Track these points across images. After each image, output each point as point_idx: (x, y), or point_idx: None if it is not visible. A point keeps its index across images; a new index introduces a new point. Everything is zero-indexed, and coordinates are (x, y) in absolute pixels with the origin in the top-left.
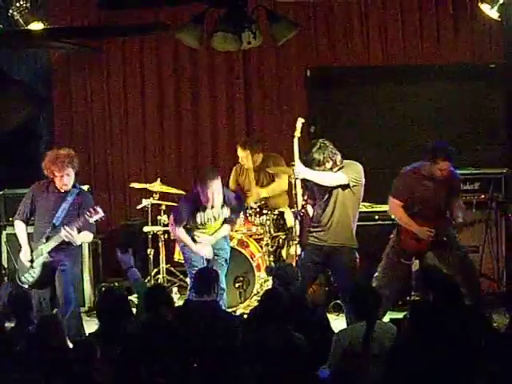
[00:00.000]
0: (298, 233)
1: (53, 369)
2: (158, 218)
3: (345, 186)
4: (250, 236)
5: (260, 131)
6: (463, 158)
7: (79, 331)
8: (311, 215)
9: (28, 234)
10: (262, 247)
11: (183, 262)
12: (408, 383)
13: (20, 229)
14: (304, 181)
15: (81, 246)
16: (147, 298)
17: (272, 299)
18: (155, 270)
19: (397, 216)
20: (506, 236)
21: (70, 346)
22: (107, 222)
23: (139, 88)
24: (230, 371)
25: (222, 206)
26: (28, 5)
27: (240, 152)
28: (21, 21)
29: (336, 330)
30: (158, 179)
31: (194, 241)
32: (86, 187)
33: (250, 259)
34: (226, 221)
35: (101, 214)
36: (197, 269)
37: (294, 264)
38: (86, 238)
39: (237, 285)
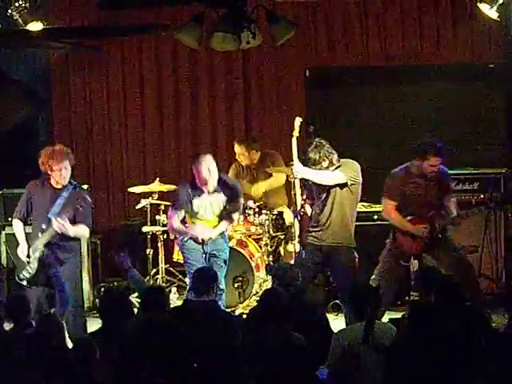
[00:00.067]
0: (297, 232)
1: (53, 369)
2: (157, 217)
3: (343, 185)
4: (249, 236)
5: (259, 131)
6: (463, 158)
7: (85, 331)
8: (309, 215)
9: (26, 233)
10: (261, 247)
11: (182, 262)
12: (407, 383)
13: (18, 227)
14: (302, 180)
15: (80, 242)
16: (143, 299)
17: (271, 299)
18: (154, 270)
19: (391, 218)
20: (505, 236)
21: (70, 346)
22: (106, 222)
23: (138, 88)
24: (229, 371)
25: (219, 191)
26: (27, 5)
27: (236, 148)
28: (20, 21)
29: (335, 330)
30: (157, 179)
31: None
32: (85, 187)
33: (249, 259)
34: (224, 216)
35: (88, 201)
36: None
37: (292, 262)
38: (81, 231)
39: (236, 285)
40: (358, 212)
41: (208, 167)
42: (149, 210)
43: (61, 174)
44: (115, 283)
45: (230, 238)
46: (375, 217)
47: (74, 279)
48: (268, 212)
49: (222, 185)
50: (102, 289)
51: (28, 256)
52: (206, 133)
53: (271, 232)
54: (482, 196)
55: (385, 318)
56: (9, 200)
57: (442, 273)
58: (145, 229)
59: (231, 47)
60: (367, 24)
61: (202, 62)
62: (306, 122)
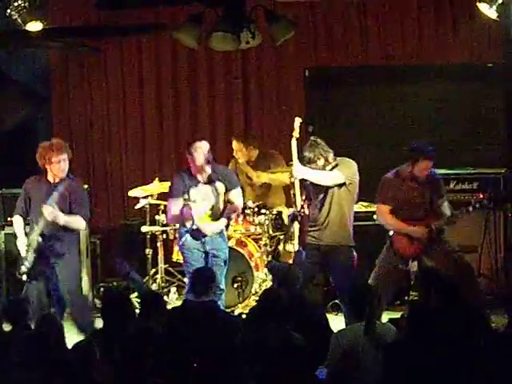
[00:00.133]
0: (297, 232)
1: (52, 369)
2: (157, 217)
3: (341, 185)
4: (249, 236)
5: (258, 131)
6: (463, 158)
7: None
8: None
9: (26, 232)
10: (260, 247)
11: (182, 262)
12: (406, 382)
13: (18, 223)
14: (301, 180)
15: (78, 235)
16: (141, 306)
17: (270, 299)
18: (153, 270)
19: (386, 221)
20: (505, 236)
21: (69, 346)
22: (106, 222)
23: (138, 88)
24: (229, 371)
25: (215, 181)
26: (26, 4)
27: (234, 144)
28: (19, 21)
29: (335, 330)
30: (157, 179)
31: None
32: (84, 187)
33: (249, 259)
34: (226, 209)
35: (85, 193)
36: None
37: (290, 261)
38: (74, 220)
39: (235, 285)
40: (358, 212)
41: (204, 154)
42: (148, 210)
43: (59, 166)
44: (114, 283)
45: (230, 238)
46: (375, 216)
47: (73, 281)
48: (267, 212)
49: (218, 172)
50: (102, 289)
51: (27, 250)
52: (206, 133)
53: (270, 232)
54: (481, 196)
55: (384, 318)
56: (8, 200)
57: (442, 273)
58: (144, 229)
59: (230, 47)
60: (367, 24)
61: (202, 62)
62: (306, 122)
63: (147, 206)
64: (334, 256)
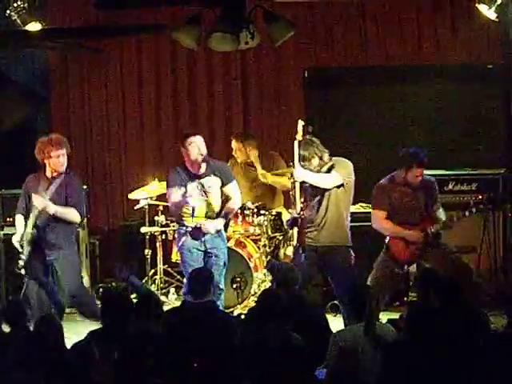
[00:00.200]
0: (295, 234)
1: (52, 369)
2: (156, 218)
3: (338, 186)
4: (248, 236)
5: (258, 131)
6: (463, 158)
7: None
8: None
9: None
10: (259, 248)
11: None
12: (405, 382)
13: (19, 222)
14: (301, 182)
15: (74, 228)
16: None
17: (269, 299)
18: (152, 270)
19: (382, 226)
20: (504, 237)
21: (68, 346)
22: (105, 223)
23: (137, 88)
24: (228, 371)
25: (209, 175)
26: (26, 5)
27: (233, 144)
28: (18, 21)
29: (334, 331)
30: (156, 179)
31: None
32: (81, 182)
33: (248, 260)
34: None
35: (81, 187)
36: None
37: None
38: (66, 212)
39: (234, 285)
40: (357, 213)
41: (199, 148)
42: (147, 210)
43: (58, 160)
44: (113, 284)
45: (229, 239)
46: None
47: (74, 280)
48: (266, 213)
49: (213, 167)
50: (101, 289)
51: (21, 246)
52: (205, 133)
53: (269, 233)
54: (480, 197)
55: (383, 319)
56: (7, 200)
57: (441, 273)
58: (143, 229)
59: (229, 48)
60: (366, 24)
61: (201, 62)
62: (306, 123)
63: (146, 207)
64: (332, 256)
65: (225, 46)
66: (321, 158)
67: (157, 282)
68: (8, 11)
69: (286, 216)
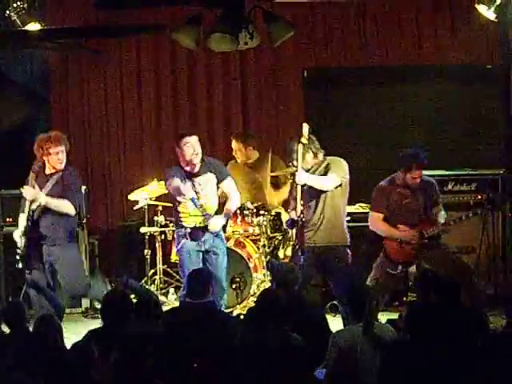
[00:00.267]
0: (294, 237)
1: (51, 369)
2: (155, 218)
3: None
4: (247, 237)
5: (257, 132)
6: (463, 158)
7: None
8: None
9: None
10: (258, 248)
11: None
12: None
13: (21, 220)
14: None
15: (72, 221)
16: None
17: (269, 300)
18: (152, 270)
19: (378, 228)
20: (503, 237)
21: (68, 346)
22: (104, 223)
23: (136, 89)
24: (228, 372)
25: (206, 172)
26: (25, 5)
27: (233, 144)
28: (18, 21)
29: (333, 331)
30: (155, 179)
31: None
32: (83, 188)
33: (247, 260)
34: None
35: (78, 181)
36: None
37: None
38: (60, 204)
39: (233, 285)
40: (356, 213)
41: (194, 148)
42: (146, 210)
43: (58, 157)
44: (113, 284)
45: (228, 239)
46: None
47: (75, 279)
48: (266, 213)
49: (208, 164)
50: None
51: (20, 236)
52: (204, 133)
53: (269, 233)
54: (479, 197)
55: (383, 319)
56: (6, 201)
57: (441, 274)
58: (142, 229)
59: (229, 48)
60: (366, 24)
61: (200, 62)
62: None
63: (145, 207)
64: (329, 256)
65: (224, 46)
66: (315, 155)
67: (156, 282)
68: (7, 11)
69: (285, 216)
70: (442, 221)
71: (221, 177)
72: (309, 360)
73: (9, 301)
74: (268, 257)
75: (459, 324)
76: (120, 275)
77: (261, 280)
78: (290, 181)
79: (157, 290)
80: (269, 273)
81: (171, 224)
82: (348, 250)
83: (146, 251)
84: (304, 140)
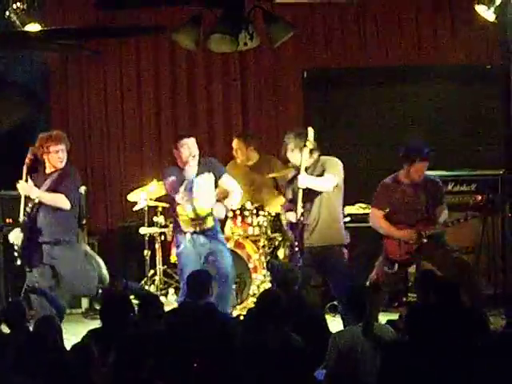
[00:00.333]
0: (293, 238)
1: (51, 370)
2: (155, 219)
3: None
4: (247, 237)
5: (257, 132)
6: (463, 159)
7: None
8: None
9: None
10: (258, 249)
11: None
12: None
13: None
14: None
15: (70, 217)
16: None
17: (269, 300)
18: (152, 271)
19: (377, 225)
20: (503, 237)
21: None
22: (104, 224)
23: (136, 90)
24: (228, 372)
25: (203, 173)
26: (25, 6)
27: (234, 143)
28: (17, 22)
29: (333, 332)
30: (155, 180)
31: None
32: (82, 188)
33: (247, 261)
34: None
35: (76, 177)
36: None
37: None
38: (54, 198)
39: (233, 286)
40: (356, 214)
41: (190, 150)
42: (146, 211)
43: (58, 156)
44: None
45: (228, 240)
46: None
47: (76, 284)
48: (266, 213)
49: (204, 164)
50: (100, 290)
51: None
52: (204, 134)
53: (269, 233)
54: (479, 197)
55: (382, 320)
56: (6, 202)
57: (440, 274)
58: (142, 230)
59: (228, 49)
60: (365, 25)
61: (200, 63)
62: (305, 124)
63: (145, 208)
64: (327, 256)
65: (224, 47)
66: (311, 152)
67: (156, 282)
68: (7, 12)
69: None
70: (441, 220)
71: (218, 173)
72: (309, 361)
73: (9, 301)
74: (268, 257)
75: (459, 324)
76: (119, 276)
77: (261, 281)
78: (286, 181)
79: (156, 290)
80: (269, 273)
81: (171, 225)
82: (344, 249)
83: (145, 252)
84: (310, 144)
